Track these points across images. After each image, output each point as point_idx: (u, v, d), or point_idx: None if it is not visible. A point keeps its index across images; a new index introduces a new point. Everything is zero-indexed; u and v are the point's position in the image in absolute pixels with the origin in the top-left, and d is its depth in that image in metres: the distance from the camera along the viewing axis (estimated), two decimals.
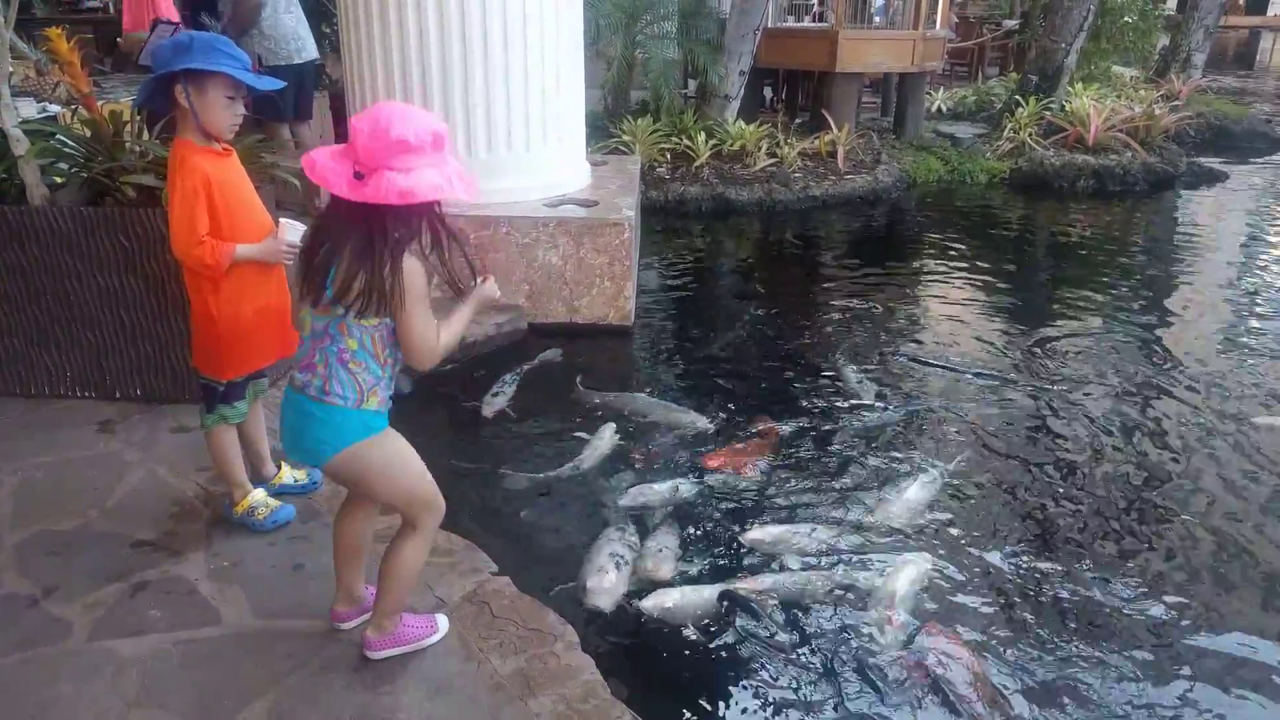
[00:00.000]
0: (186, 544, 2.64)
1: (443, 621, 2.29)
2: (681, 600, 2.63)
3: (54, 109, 4.97)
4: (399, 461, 2.02)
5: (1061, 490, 3.33)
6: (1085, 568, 2.88)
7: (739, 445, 3.52)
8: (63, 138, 3.50)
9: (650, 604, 2.61)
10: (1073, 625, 2.62)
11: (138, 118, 3.46)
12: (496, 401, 3.85)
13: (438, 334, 1.93)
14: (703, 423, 3.68)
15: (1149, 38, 12.55)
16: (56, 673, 2.15)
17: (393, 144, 1.73)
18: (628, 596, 2.66)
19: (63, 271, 3.30)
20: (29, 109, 4.64)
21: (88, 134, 3.41)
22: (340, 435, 1.94)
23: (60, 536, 2.67)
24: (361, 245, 1.81)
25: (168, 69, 2.26)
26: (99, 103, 3.53)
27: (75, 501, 2.83)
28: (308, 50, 5.81)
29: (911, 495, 3.18)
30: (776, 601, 2.65)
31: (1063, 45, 9.74)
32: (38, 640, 2.25)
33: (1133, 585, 2.79)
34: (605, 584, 2.67)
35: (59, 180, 3.47)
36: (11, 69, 3.44)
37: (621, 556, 2.80)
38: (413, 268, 1.84)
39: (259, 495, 2.74)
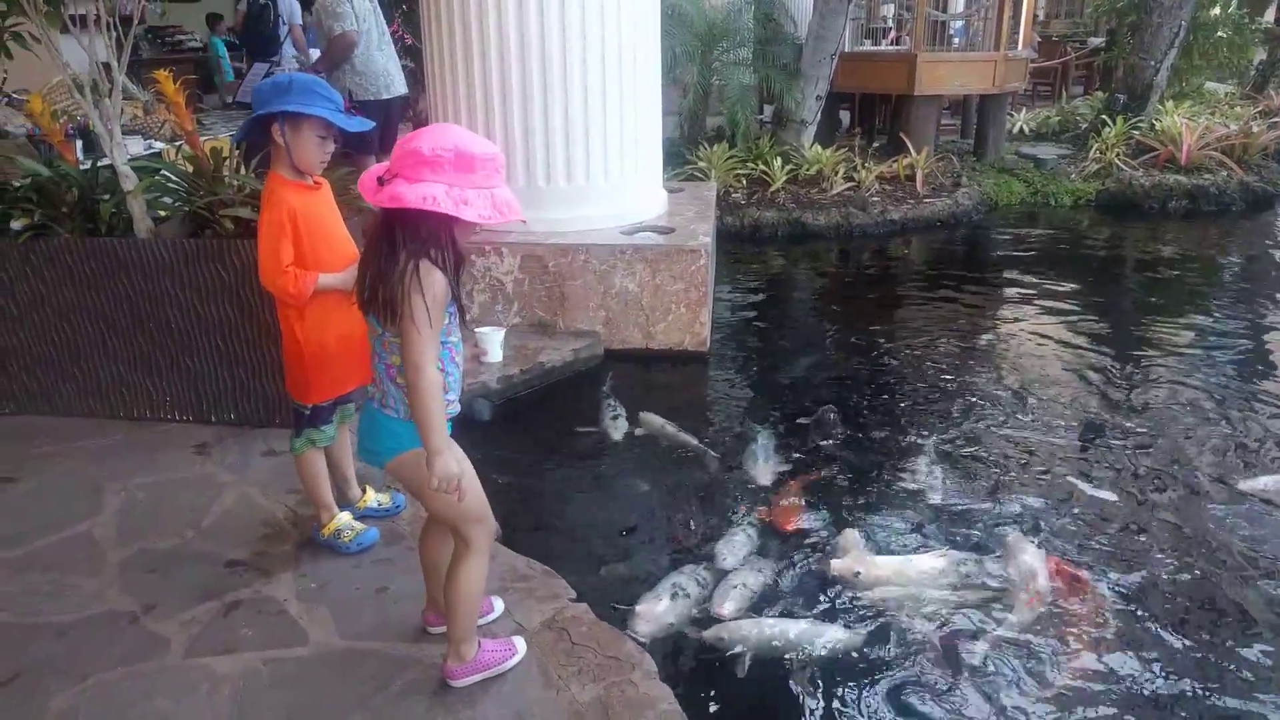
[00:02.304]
0: (276, 564, 2.72)
1: (520, 644, 2.32)
2: (742, 633, 2.57)
3: (159, 146, 5.24)
4: None
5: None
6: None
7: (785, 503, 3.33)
8: (167, 173, 3.68)
9: (710, 634, 2.58)
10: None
11: (236, 153, 3.63)
12: (620, 424, 3.87)
13: (433, 366, 1.88)
14: (766, 479, 3.45)
15: (1245, 53, 12.08)
16: (155, 688, 2.23)
17: (408, 154, 1.81)
18: (684, 628, 2.61)
19: (165, 300, 3.47)
20: (136, 146, 4.90)
21: (190, 170, 3.58)
22: (396, 442, 2.03)
23: (159, 555, 2.79)
24: (382, 254, 1.88)
25: (266, 109, 2.37)
26: (200, 139, 3.71)
27: (173, 521, 2.95)
28: (396, 86, 6.02)
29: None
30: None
31: (1152, 63, 9.46)
32: (138, 656, 2.35)
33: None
34: (653, 611, 2.63)
35: (163, 214, 3.65)
36: (122, 109, 3.65)
37: (683, 588, 2.74)
38: (430, 279, 1.83)
39: (345, 518, 2.81)
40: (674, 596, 2.70)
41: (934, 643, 2.57)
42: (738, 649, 2.52)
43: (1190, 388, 4.41)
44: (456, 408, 2.08)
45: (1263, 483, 3.37)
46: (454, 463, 1.94)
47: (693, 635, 2.59)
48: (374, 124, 2.63)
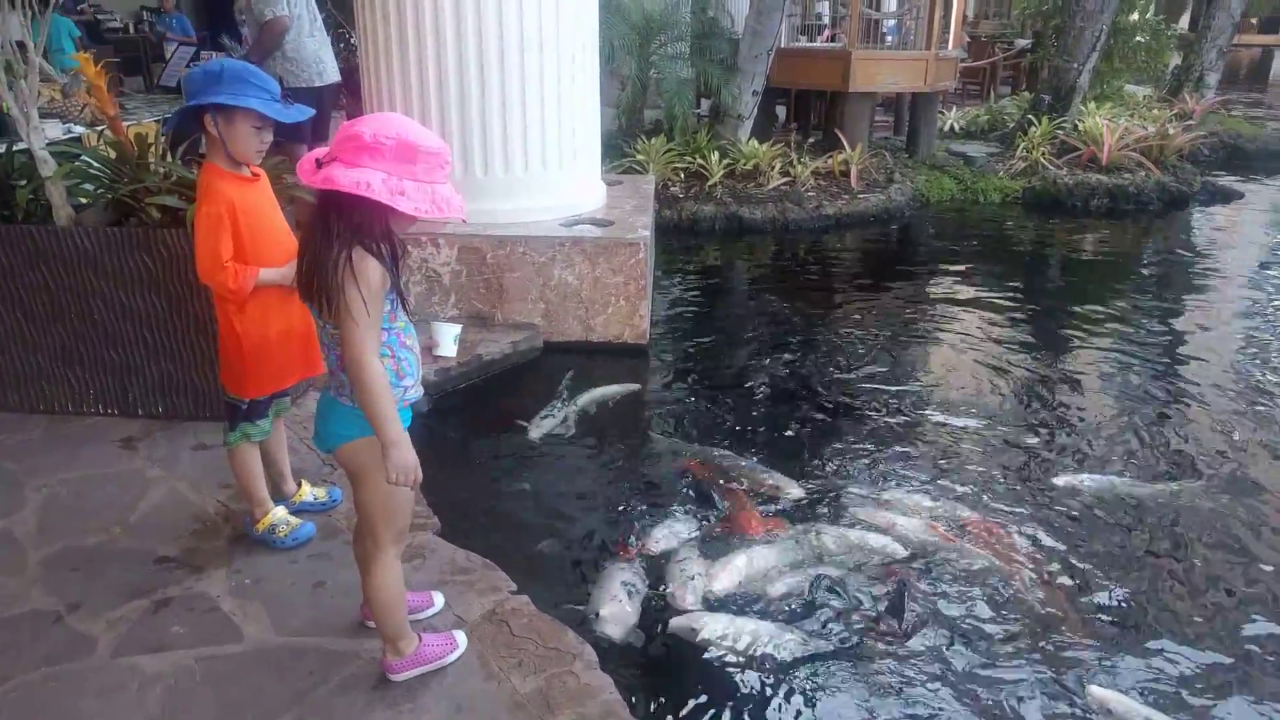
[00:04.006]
0: (208, 561, 2.66)
1: (461, 638, 2.31)
2: (720, 628, 2.59)
3: (78, 130, 5.05)
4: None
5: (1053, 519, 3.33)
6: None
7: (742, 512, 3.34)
8: (88, 159, 3.55)
9: (681, 624, 2.61)
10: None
11: (162, 140, 3.52)
12: (545, 424, 3.85)
13: (376, 357, 1.85)
14: (796, 490, 3.38)
15: (1161, 57, 12.56)
16: (81, 689, 2.17)
17: (349, 138, 1.77)
18: (642, 624, 2.64)
19: (87, 290, 3.35)
20: (54, 130, 4.71)
21: (113, 155, 3.46)
22: (344, 429, 2.00)
23: (84, 552, 2.71)
24: (317, 241, 1.84)
25: (198, 101, 2.31)
26: (123, 124, 3.59)
27: (99, 518, 2.87)
28: (329, 74, 5.89)
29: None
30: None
31: (1075, 65, 9.77)
32: (62, 656, 2.28)
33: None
34: (619, 612, 2.63)
35: (84, 200, 3.52)
36: (39, 91, 3.51)
37: (634, 585, 2.76)
38: (363, 266, 1.79)
39: (280, 513, 2.76)
40: (630, 594, 2.71)
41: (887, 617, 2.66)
42: (698, 639, 2.56)
43: (1095, 378, 4.62)
44: (419, 391, 2.06)
45: (1081, 480, 3.51)
46: (411, 454, 1.91)
47: (653, 628, 2.62)
48: (312, 112, 2.57)
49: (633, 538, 3.07)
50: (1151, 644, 2.62)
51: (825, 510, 3.26)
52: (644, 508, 3.26)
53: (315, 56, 5.85)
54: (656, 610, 2.70)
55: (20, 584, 2.56)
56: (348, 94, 7.13)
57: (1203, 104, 12.07)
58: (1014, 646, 2.60)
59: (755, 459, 3.60)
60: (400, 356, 1.98)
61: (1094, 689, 2.41)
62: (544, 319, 4.67)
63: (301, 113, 2.46)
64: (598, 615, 2.63)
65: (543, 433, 3.79)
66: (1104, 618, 2.74)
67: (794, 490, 3.36)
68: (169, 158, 3.48)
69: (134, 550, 2.71)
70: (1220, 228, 8.42)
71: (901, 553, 2.97)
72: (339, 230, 1.81)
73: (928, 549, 3.03)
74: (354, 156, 1.76)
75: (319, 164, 1.80)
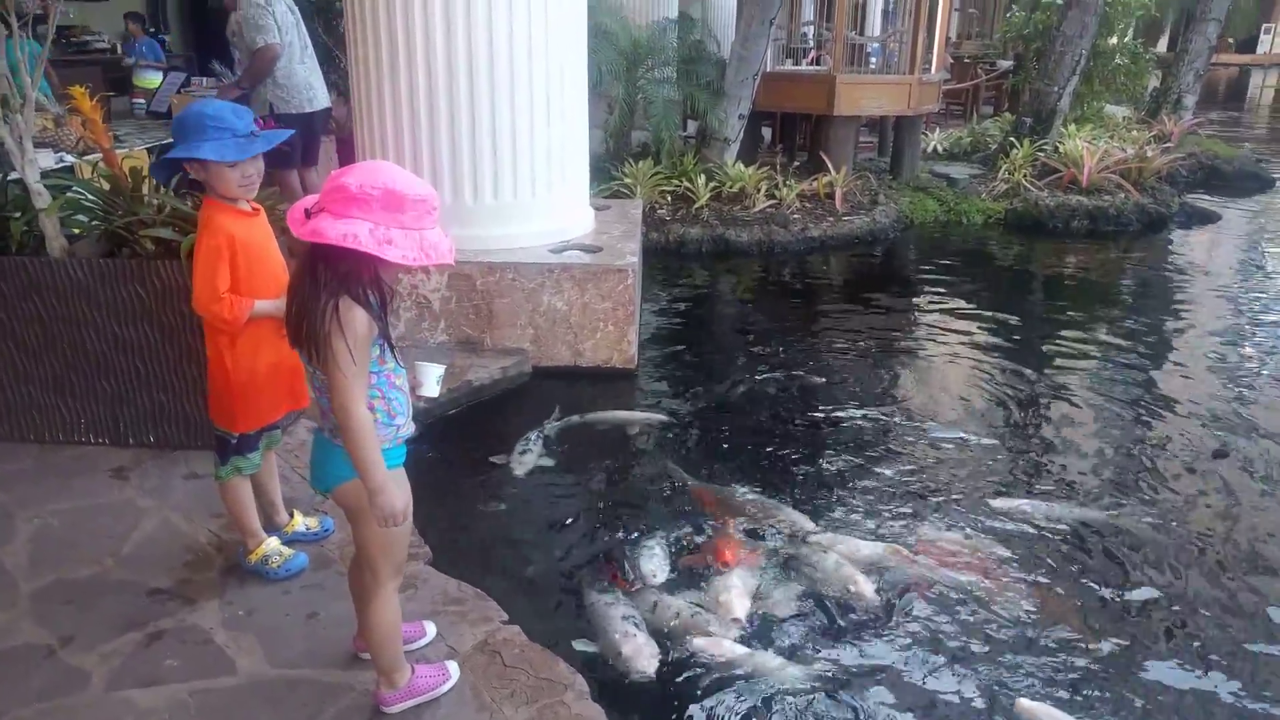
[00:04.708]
0: (201, 592, 2.69)
1: (454, 669, 2.34)
2: (737, 655, 2.64)
3: (70, 159, 5.07)
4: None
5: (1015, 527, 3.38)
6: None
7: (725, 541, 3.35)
8: (81, 189, 3.59)
9: (702, 644, 2.66)
10: None
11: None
12: (526, 460, 3.80)
13: (364, 404, 1.89)
14: (809, 525, 3.37)
15: (1140, 80, 12.76)
16: None
17: (336, 189, 1.80)
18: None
19: (80, 321, 3.37)
20: (47, 159, 4.72)
21: (107, 188, 3.49)
22: (340, 470, 2.02)
23: (76, 585, 2.72)
24: (305, 289, 1.87)
25: (184, 153, 2.37)
26: (116, 153, 3.62)
27: (91, 549, 2.88)
28: (319, 99, 5.96)
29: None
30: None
31: (1055, 89, 9.93)
32: (56, 691, 2.29)
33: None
34: (639, 647, 2.63)
35: (77, 231, 3.55)
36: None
37: (634, 617, 2.76)
38: (350, 316, 1.83)
39: (273, 544, 2.79)
40: (637, 626, 2.71)
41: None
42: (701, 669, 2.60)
43: (1072, 399, 4.70)
44: (411, 429, 2.10)
45: (1017, 504, 3.57)
46: (398, 499, 1.95)
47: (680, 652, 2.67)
48: (273, 142, 2.57)
49: (626, 567, 3.09)
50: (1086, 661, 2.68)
51: (809, 538, 3.30)
52: (634, 535, 3.29)
53: (306, 83, 5.92)
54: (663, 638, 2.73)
55: (11, 617, 2.57)
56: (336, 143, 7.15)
57: (1180, 126, 12.27)
58: (965, 662, 2.66)
59: (767, 493, 3.61)
60: (390, 397, 2.01)
61: (1022, 701, 2.48)
62: (533, 344, 4.71)
63: (268, 141, 2.48)
64: (620, 656, 2.60)
65: (526, 469, 3.75)
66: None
67: (807, 525, 3.36)
68: (162, 190, 3.51)
69: (127, 582, 2.73)
70: (1197, 249, 8.55)
71: (868, 593, 2.96)
72: (326, 280, 1.84)
73: (890, 571, 3.09)
74: (342, 207, 1.79)
75: (308, 214, 1.83)
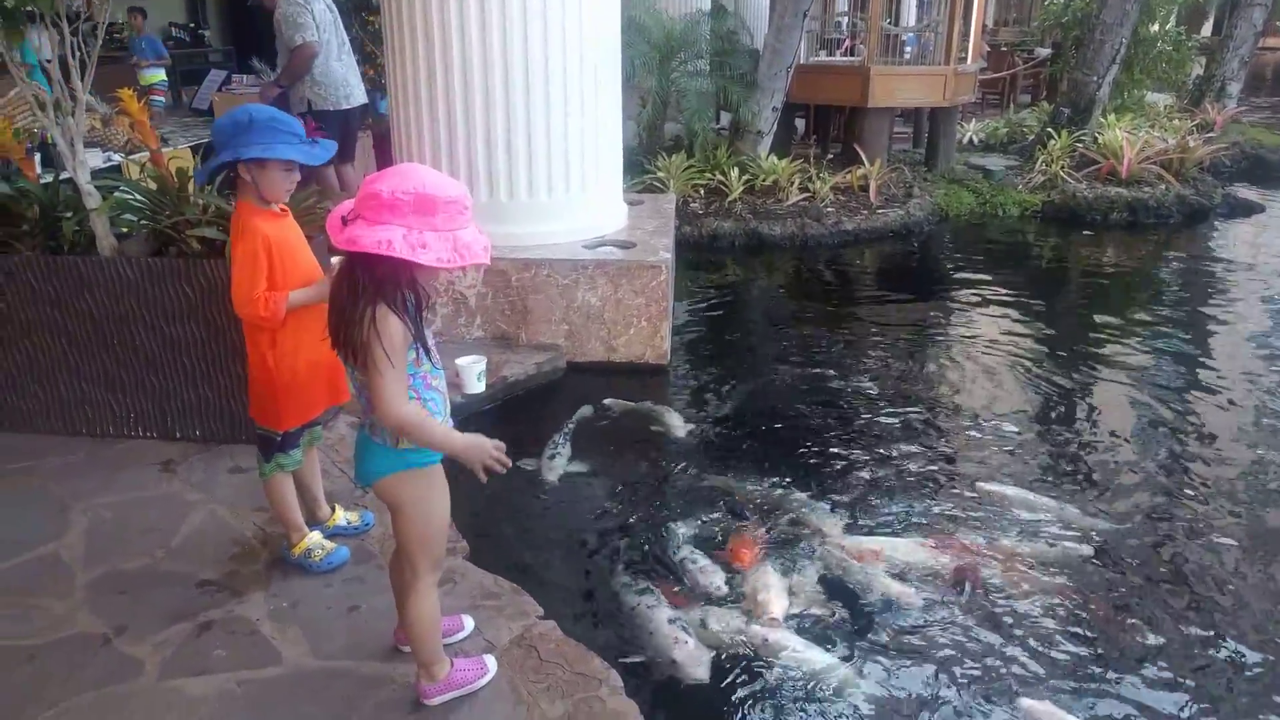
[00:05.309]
0: (247, 584, 2.77)
1: (491, 662, 2.39)
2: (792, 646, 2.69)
3: (116, 158, 5.20)
4: (424, 504, 2.14)
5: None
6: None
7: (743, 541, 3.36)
8: (130, 189, 3.69)
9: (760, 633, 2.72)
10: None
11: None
12: (556, 464, 3.81)
13: (406, 402, 1.95)
14: (837, 525, 3.39)
15: (1183, 67, 12.52)
16: (130, 712, 2.28)
17: (369, 195, 1.84)
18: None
19: (129, 318, 3.48)
20: (95, 159, 4.85)
21: (154, 188, 3.59)
22: (378, 465, 2.10)
23: (128, 576, 2.82)
24: (344, 296, 1.93)
25: (232, 155, 2.42)
26: (164, 157, 3.72)
27: (142, 541, 2.98)
28: (355, 96, 6.03)
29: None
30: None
31: (1094, 78, 9.77)
32: (111, 679, 2.38)
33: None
34: (692, 653, 2.64)
35: (125, 230, 3.65)
36: None
37: (679, 619, 2.78)
38: (385, 325, 1.88)
39: (315, 538, 2.86)
40: (686, 630, 2.73)
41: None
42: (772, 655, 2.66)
43: (1110, 396, 4.67)
44: (448, 425, 2.15)
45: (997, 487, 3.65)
46: (478, 448, 2.03)
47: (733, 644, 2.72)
48: (333, 152, 2.66)
49: (685, 581, 3.05)
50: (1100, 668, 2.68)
51: (841, 538, 3.32)
52: (665, 533, 3.31)
53: (343, 80, 6.00)
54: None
55: (67, 607, 2.67)
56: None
57: (1224, 114, 12.02)
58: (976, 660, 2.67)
59: (799, 489, 3.63)
60: (426, 398, 2.06)
61: (1025, 701, 2.51)
62: (567, 340, 4.77)
63: (327, 151, 2.56)
64: (674, 663, 2.61)
65: (556, 474, 3.75)
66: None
67: (837, 525, 3.36)
68: (207, 190, 3.60)
69: (176, 573, 2.82)
70: (1240, 242, 8.39)
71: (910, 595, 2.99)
72: (364, 286, 1.89)
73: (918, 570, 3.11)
74: (375, 214, 1.83)
75: (344, 221, 1.88)
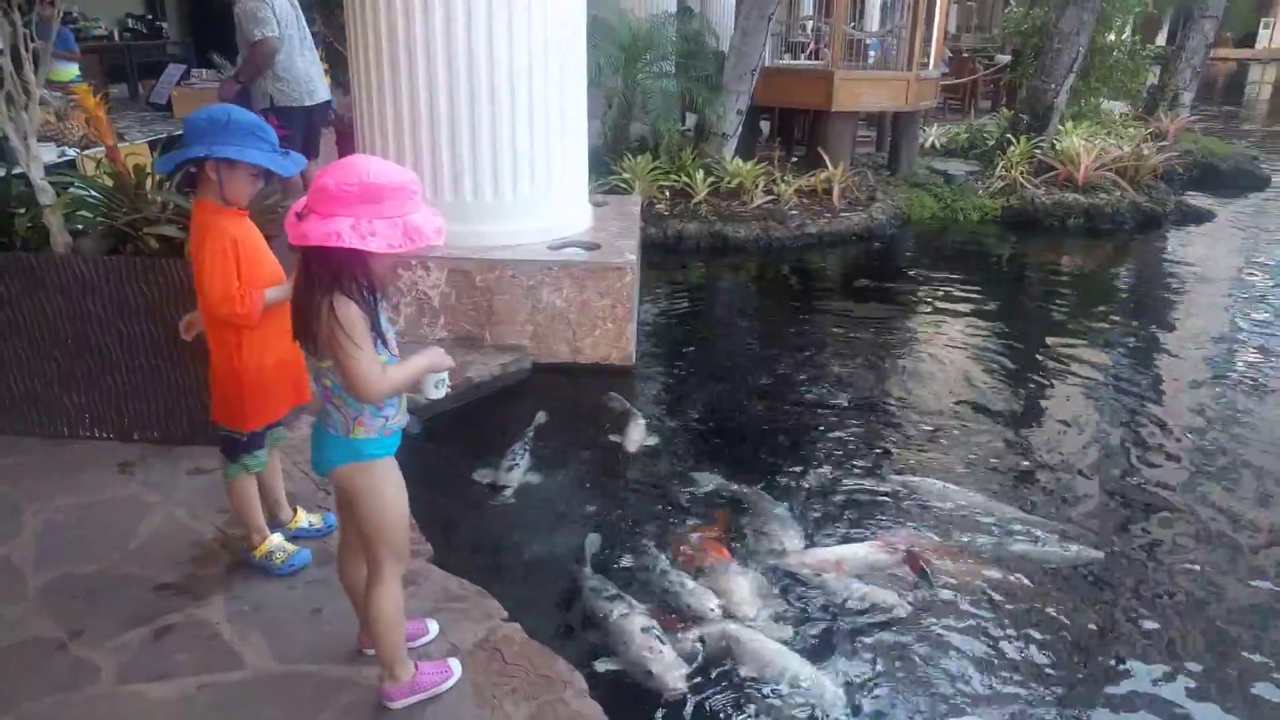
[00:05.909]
0: (208, 588, 2.73)
1: (456, 666, 2.39)
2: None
3: (71, 153, 5.09)
4: (378, 495, 2.13)
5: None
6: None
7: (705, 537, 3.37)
8: (84, 185, 3.61)
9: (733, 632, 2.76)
10: None
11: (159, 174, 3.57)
12: (513, 475, 3.72)
13: (383, 373, 2.00)
14: (797, 543, 3.34)
15: (1138, 76, 12.79)
16: (88, 717, 2.24)
17: (317, 190, 1.88)
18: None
19: (84, 317, 3.41)
20: (49, 154, 4.75)
21: (110, 184, 3.52)
22: (334, 456, 2.11)
23: (85, 579, 2.76)
24: (302, 289, 1.97)
25: (205, 150, 2.38)
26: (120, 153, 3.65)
27: (98, 544, 2.93)
28: (319, 93, 5.97)
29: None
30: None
31: (1053, 86, 9.95)
32: (69, 684, 2.34)
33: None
34: (668, 662, 2.61)
35: (81, 227, 3.58)
36: None
37: (651, 626, 2.75)
38: (345, 312, 1.91)
39: (277, 540, 2.84)
40: (659, 639, 2.70)
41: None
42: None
43: (1066, 397, 4.76)
44: (402, 420, 2.16)
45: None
46: (435, 353, 2.13)
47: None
48: (303, 165, 2.64)
49: (682, 609, 2.95)
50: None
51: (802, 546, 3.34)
52: (650, 547, 3.28)
53: (305, 75, 5.94)
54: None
55: (21, 611, 2.61)
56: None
57: (1177, 123, 12.31)
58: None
59: (763, 491, 3.66)
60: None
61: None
62: (532, 341, 4.76)
63: (297, 164, 2.54)
64: (651, 674, 2.57)
65: (514, 484, 3.68)
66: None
67: (796, 534, 3.35)
68: (165, 187, 3.54)
69: (134, 577, 2.78)
70: (1191, 248, 8.58)
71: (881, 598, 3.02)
72: (319, 278, 1.93)
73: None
74: (325, 207, 1.87)
75: (299, 217, 1.90)
